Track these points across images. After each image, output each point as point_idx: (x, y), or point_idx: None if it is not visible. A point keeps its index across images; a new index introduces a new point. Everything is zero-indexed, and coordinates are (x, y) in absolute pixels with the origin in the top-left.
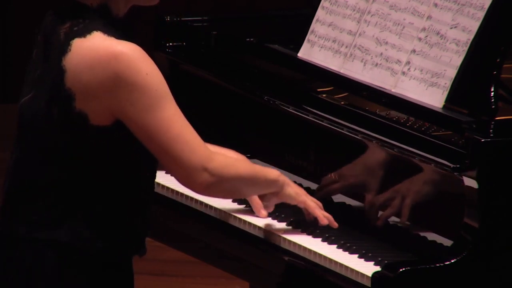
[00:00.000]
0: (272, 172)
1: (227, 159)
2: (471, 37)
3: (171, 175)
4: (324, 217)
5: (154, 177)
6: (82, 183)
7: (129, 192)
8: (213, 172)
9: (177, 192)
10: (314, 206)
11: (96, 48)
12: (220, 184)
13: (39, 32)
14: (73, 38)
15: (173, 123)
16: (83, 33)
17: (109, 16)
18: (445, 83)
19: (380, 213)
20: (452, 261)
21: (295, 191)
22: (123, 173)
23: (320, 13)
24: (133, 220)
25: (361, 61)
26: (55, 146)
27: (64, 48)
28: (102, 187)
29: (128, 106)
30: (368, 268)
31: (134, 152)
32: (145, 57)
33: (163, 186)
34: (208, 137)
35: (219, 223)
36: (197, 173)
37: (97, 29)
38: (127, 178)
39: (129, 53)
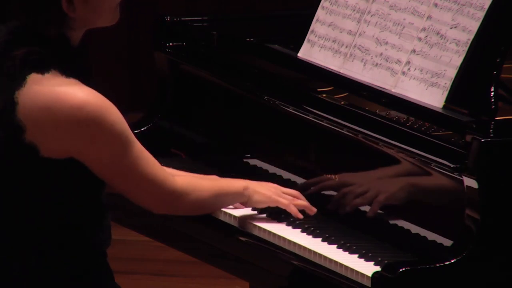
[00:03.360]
0: (238, 184)
1: (190, 181)
2: (471, 37)
3: (135, 203)
4: (298, 211)
5: (102, 204)
6: (26, 212)
7: (75, 221)
8: (178, 198)
9: None
10: (286, 203)
11: (56, 93)
12: (185, 206)
13: None
14: (29, 73)
15: (138, 165)
16: (40, 68)
17: (67, 48)
18: (445, 83)
19: (381, 212)
20: (452, 261)
21: (266, 195)
22: (69, 203)
23: (320, 13)
24: (80, 249)
25: (361, 61)
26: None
27: (19, 81)
28: (46, 216)
29: (90, 152)
30: (368, 268)
31: (83, 183)
32: (108, 105)
33: None
34: (208, 137)
35: (220, 223)
36: (163, 203)
37: (54, 67)
38: (74, 207)
39: (92, 103)
